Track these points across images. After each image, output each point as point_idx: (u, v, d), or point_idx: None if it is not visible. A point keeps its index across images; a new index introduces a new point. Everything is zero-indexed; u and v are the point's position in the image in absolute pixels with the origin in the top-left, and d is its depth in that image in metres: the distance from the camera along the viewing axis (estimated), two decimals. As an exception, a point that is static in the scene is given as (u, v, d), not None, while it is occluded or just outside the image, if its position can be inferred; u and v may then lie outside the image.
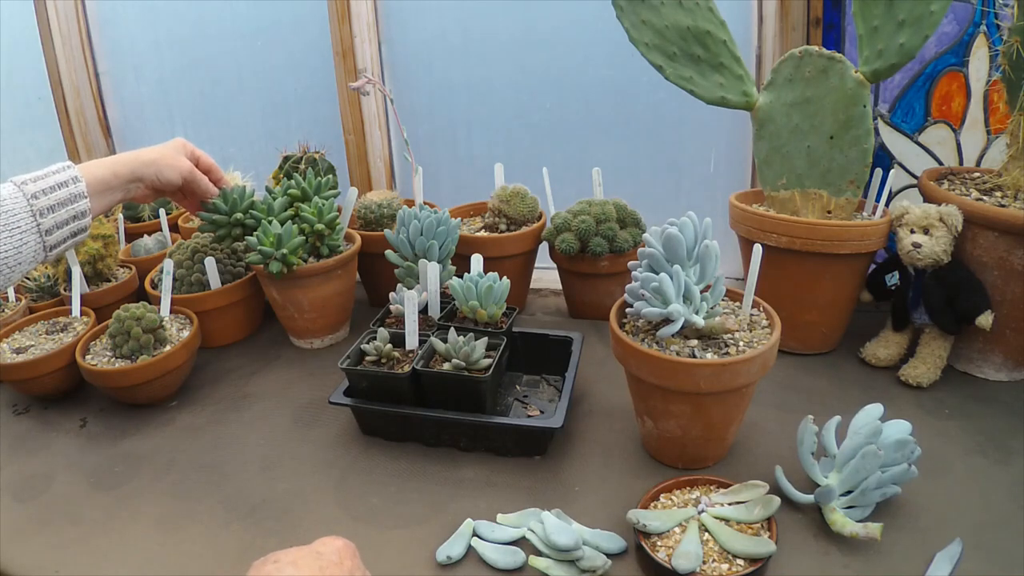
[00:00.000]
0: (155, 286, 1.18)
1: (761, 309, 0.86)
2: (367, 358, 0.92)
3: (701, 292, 0.79)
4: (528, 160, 1.41)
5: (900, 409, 0.91)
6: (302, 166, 1.37)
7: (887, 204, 1.05)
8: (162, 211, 1.40)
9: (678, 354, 0.77)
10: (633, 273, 0.81)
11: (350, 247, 1.17)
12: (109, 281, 1.25)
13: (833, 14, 1.15)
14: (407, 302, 0.92)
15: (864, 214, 1.07)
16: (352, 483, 0.85)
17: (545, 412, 0.95)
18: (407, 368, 0.88)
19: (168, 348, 1.02)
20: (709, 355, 0.77)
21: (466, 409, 0.87)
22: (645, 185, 1.43)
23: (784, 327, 0.81)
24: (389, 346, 0.91)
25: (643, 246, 0.79)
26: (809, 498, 0.74)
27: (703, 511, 0.71)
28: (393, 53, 1.50)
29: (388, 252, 1.12)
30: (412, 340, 0.93)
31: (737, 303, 0.87)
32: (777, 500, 0.70)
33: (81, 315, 1.16)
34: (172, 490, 0.86)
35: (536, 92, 1.44)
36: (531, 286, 1.34)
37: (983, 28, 1.08)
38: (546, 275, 1.39)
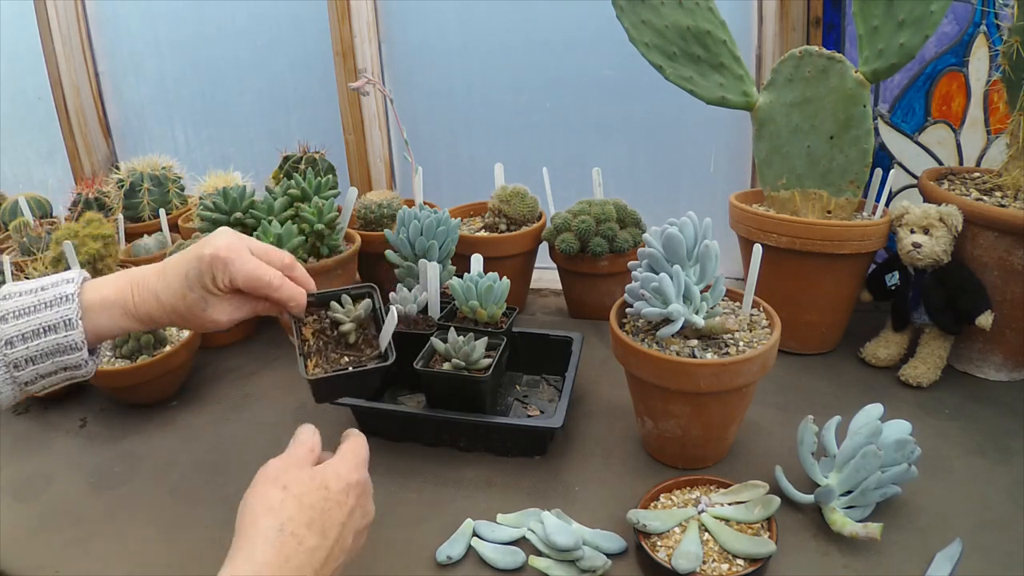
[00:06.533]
0: (155, 286, 1.18)
1: (761, 309, 0.86)
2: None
3: (701, 292, 0.79)
4: (528, 160, 1.41)
5: (900, 409, 0.91)
6: (302, 166, 1.36)
7: (887, 204, 1.05)
8: (162, 211, 1.40)
9: (678, 354, 0.77)
10: (633, 273, 0.81)
11: (350, 247, 1.17)
12: (109, 281, 1.25)
13: (833, 14, 1.15)
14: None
15: (864, 214, 1.07)
16: (352, 483, 0.85)
17: (545, 412, 0.95)
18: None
19: (168, 348, 1.02)
20: (709, 355, 0.77)
21: (466, 409, 0.87)
22: (645, 185, 1.43)
23: (784, 327, 0.81)
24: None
25: (643, 246, 0.79)
26: (809, 498, 0.74)
27: (703, 511, 0.71)
28: (393, 53, 1.50)
29: (388, 252, 1.12)
30: (384, 342, 0.74)
31: (737, 303, 0.87)
32: (777, 500, 0.70)
33: (81, 315, 1.16)
34: (172, 490, 0.86)
35: (536, 92, 1.44)
36: (531, 286, 1.34)
37: (983, 28, 1.08)
38: (546, 275, 1.39)
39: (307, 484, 0.57)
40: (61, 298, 0.62)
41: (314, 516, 0.55)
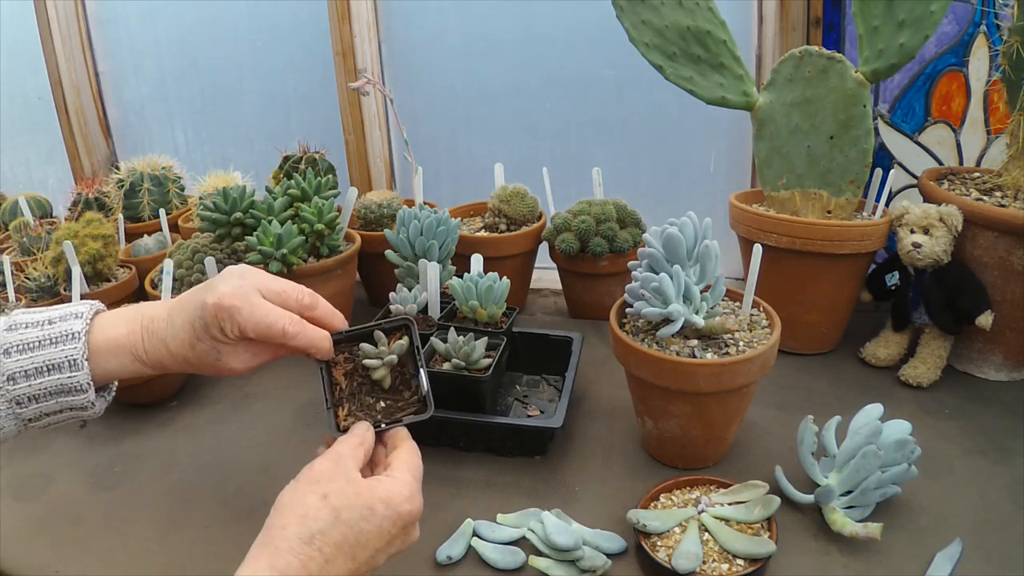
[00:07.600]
0: (155, 286, 1.18)
1: (761, 309, 0.86)
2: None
3: (701, 292, 0.79)
4: (528, 160, 1.41)
5: (900, 409, 0.91)
6: (302, 166, 1.37)
7: (887, 204, 1.05)
8: (162, 211, 1.40)
9: (678, 354, 0.77)
10: (633, 273, 0.81)
11: (350, 247, 1.17)
12: (109, 281, 1.25)
13: (833, 14, 1.15)
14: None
15: (864, 214, 1.07)
16: (352, 483, 0.85)
17: (545, 412, 0.95)
18: None
19: (168, 348, 1.02)
20: (709, 355, 0.77)
21: (466, 409, 0.87)
22: (645, 185, 1.43)
23: (784, 327, 0.81)
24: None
25: (643, 246, 0.79)
26: (809, 498, 0.74)
27: (703, 511, 0.71)
28: (393, 53, 1.50)
29: (388, 252, 1.12)
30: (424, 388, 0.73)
31: (737, 303, 0.87)
32: (777, 500, 0.70)
33: (81, 315, 1.16)
34: (172, 490, 0.86)
35: (536, 92, 1.44)
36: (531, 286, 1.34)
37: (983, 28, 1.08)
38: (546, 275, 1.39)
39: (350, 499, 0.53)
40: (68, 335, 0.58)
41: (348, 535, 0.52)
